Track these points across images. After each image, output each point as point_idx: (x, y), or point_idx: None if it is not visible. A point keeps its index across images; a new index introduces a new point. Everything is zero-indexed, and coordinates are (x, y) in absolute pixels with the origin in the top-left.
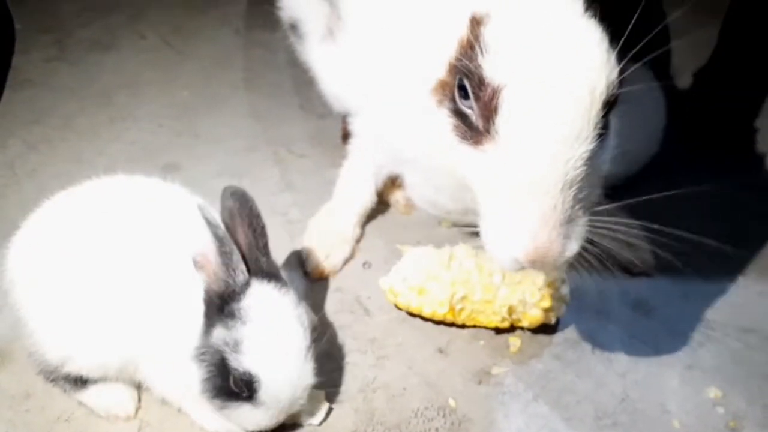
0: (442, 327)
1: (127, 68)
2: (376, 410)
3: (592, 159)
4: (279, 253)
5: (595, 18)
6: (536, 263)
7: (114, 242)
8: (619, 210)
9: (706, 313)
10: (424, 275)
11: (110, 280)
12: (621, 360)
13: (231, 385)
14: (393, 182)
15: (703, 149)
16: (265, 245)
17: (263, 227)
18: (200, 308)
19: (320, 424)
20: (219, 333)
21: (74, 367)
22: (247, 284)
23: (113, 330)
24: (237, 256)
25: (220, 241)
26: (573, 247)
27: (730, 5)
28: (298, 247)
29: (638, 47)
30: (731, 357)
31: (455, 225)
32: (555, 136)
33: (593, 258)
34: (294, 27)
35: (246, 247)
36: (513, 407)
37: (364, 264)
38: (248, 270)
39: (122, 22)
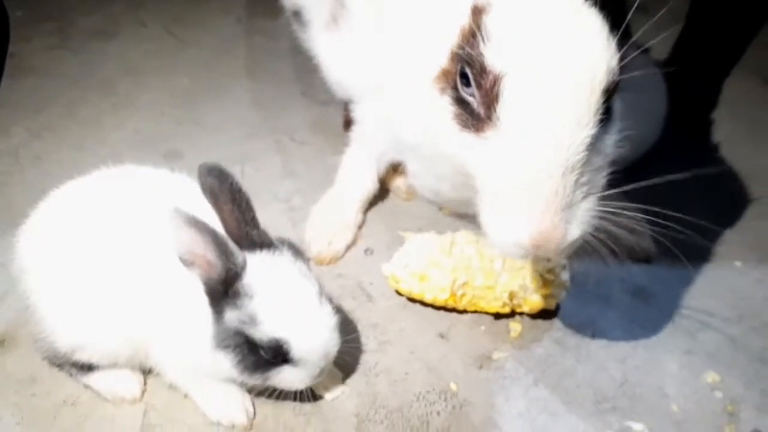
0: (443, 312)
1: (129, 56)
2: (378, 394)
3: (594, 144)
4: (282, 240)
5: (595, 6)
6: (540, 248)
7: (124, 231)
8: (619, 195)
9: (704, 299)
10: (426, 261)
11: (121, 269)
12: (620, 345)
13: (264, 356)
14: (395, 169)
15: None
16: (253, 217)
17: (248, 200)
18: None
19: (332, 400)
20: (231, 316)
21: (84, 356)
22: (245, 262)
23: (124, 318)
24: (229, 240)
25: (208, 233)
26: (575, 232)
27: None
28: (300, 234)
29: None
30: (729, 342)
31: (456, 213)
32: (556, 121)
33: (595, 244)
34: (297, 14)
35: (234, 223)
36: (513, 391)
37: (366, 250)
38: (241, 245)
39: (124, 10)
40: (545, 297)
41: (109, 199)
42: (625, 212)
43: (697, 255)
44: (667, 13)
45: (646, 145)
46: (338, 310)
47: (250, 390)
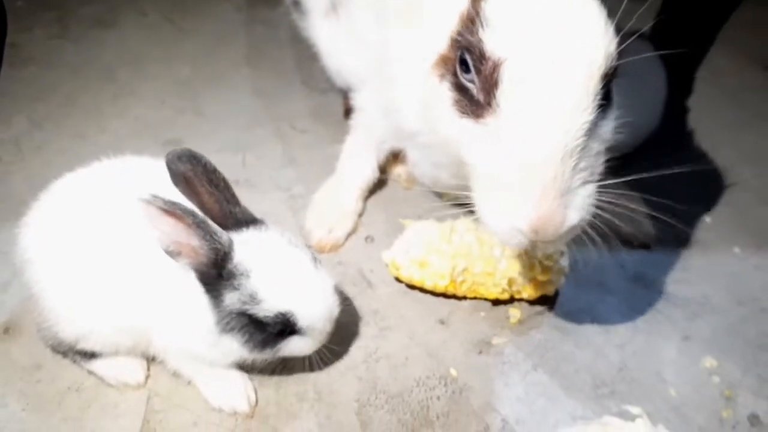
0: (443, 299)
1: (129, 45)
2: (379, 379)
3: (593, 130)
4: (283, 228)
5: None
6: (538, 233)
7: (124, 222)
8: (619, 182)
9: (703, 285)
10: (426, 248)
11: (123, 260)
12: (619, 331)
13: (272, 331)
14: (395, 157)
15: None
16: (233, 195)
17: (224, 178)
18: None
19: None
20: (231, 298)
21: (88, 344)
22: (230, 241)
23: (127, 309)
24: (209, 221)
25: (189, 215)
26: (574, 218)
27: None
28: (301, 221)
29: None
30: (727, 328)
31: (456, 200)
32: (555, 107)
33: (594, 230)
34: (297, 3)
35: (216, 204)
36: (513, 376)
37: (366, 238)
38: (227, 225)
39: None
40: (544, 283)
41: (110, 190)
42: (623, 199)
43: (696, 241)
44: None
45: (646, 132)
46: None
47: (254, 368)
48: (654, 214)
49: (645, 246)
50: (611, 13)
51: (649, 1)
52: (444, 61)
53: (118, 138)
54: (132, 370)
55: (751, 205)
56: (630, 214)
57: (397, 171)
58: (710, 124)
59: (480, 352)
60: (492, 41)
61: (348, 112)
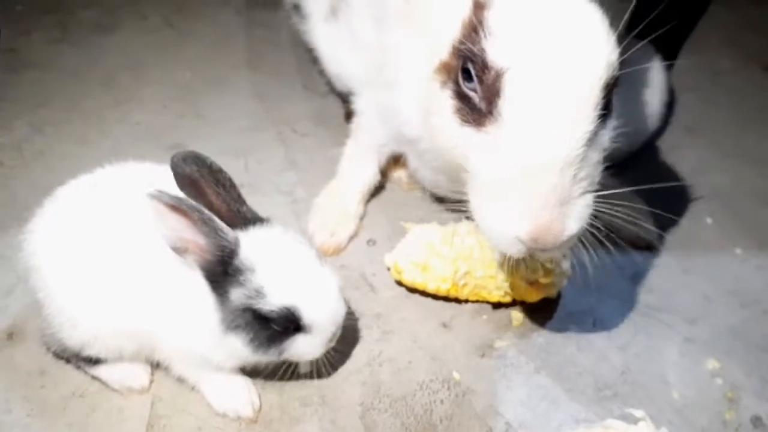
0: (445, 302)
1: (130, 49)
2: (382, 383)
3: (594, 139)
4: None
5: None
6: (538, 241)
7: (129, 228)
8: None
9: (704, 286)
10: (428, 252)
11: (128, 266)
12: (621, 333)
13: (276, 328)
14: (396, 160)
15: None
16: (239, 195)
17: (230, 178)
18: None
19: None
20: (237, 294)
21: (93, 351)
22: (237, 238)
23: (135, 312)
24: (215, 216)
25: (195, 210)
26: (573, 227)
27: None
28: (303, 225)
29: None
30: (729, 330)
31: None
32: (557, 117)
33: (598, 234)
34: (297, 7)
35: (223, 204)
36: (515, 379)
37: (368, 241)
38: (235, 224)
39: (123, 2)
40: (546, 286)
41: (114, 196)
42: (626, 202)
43: (697, 242)
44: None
45: (647, 136)
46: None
47: (259, 372)
48: (657, 216)
49: (650, 248)
50: (614, 21)
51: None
52: (445, 69)
53: (119, 143)
54: (136, 375)
55: (753, 206)
56: (632, 216)
57: (398, 174)
58: (711, 124)
59: (482, 356)
60: (494, 50)
61: (349, 115)
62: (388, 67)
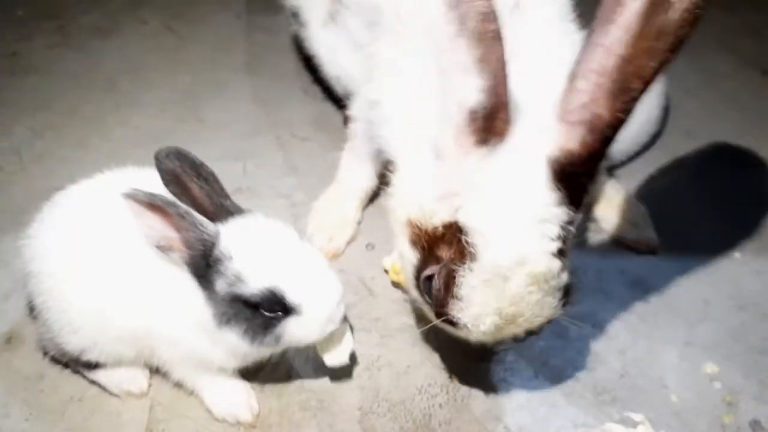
0: None
1: (129, 54)
2: (381, 387)
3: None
4: None
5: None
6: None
7: (126, 234)
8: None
9: (703, 290)
10: None
11: (130, 270)
12: (620, 337)
13: (265, 313)
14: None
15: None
16: (221, 188)
17: (212, 173)
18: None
19: (340, 365)
20: (220, 284)
21: (92, 355)
22: (217, 230)
23: (134, 317)
24: (194, 212)
25: (171, 205)
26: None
27: None
28: (302, 229)
29: None
30: (728, 333)
31: None
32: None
33: (601, 238)
34: (295, 15)
35: (206, 198)
36: (514, 383)
37: (367, 245)
38: (218, 218)
39: (123, 7)
40: None
41: (113, 201)
42: (625, 206)
43: (697, 246)
44: None
45: (645, 140)
46: None
47: (258, 376)
48: (657, 220)
49: (651, 252)
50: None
51: None
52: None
53: (119, 147)
54: (135, 379)
55: (752, 211)
56: (635, 221)
57: None
58: (709, 128)
59: (481, 360)
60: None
61: (347, 120)
62: (375, 82)
